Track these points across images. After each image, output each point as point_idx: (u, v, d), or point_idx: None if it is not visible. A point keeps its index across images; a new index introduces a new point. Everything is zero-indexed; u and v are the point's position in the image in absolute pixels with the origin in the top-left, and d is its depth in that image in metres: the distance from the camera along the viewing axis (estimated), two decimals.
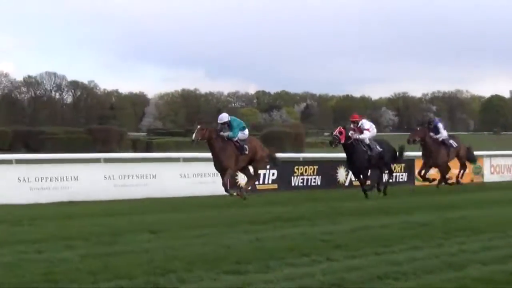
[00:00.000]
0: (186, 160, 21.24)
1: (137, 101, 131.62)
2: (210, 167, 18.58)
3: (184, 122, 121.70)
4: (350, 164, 19.16)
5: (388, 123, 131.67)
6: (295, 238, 10.31)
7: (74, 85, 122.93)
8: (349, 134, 18.46)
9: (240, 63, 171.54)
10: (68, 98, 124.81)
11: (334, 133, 18.49)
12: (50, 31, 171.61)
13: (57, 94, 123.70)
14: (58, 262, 8.26)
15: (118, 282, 7.21)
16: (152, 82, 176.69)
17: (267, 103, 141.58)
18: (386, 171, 19.90)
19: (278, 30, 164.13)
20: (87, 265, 8.04)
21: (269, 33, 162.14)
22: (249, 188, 17.81)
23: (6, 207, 15.67)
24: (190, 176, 19.03)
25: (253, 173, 18.01)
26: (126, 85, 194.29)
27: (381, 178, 19.69)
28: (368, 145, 18.88)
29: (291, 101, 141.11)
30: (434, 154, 20.74)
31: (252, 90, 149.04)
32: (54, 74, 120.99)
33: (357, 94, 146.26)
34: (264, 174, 21.08)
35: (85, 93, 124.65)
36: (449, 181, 21.91)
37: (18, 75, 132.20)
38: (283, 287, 7.11)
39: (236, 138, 17.12)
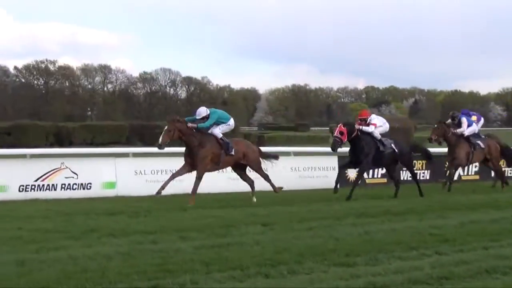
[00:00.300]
0: (296, 154, 21.38)
1: (249, 96, 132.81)
2: (320, 161, 18.72)
3: (294, 117, 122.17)
4: (355, 158, 16.72)
5: (496, 118, 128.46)
6: (403, 232, 10.32)
7: (188, 80, 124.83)
8: (353, 127, 16.52)
9: (349, 58, 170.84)
10: (182, 93, 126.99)
11: (335, 134, 16.28)
12: (166, 29, 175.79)
13: (172, 89, 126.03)
14: (173, 253, 8.47)
15: (230, 272, 7.37)
16: (264, 78, 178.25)
17: (376, 98, 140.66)
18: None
19: (386, 27, 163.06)
20: (200, 256, 8.23)
21: (378, 30, 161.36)
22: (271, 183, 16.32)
23: (124, 199, 16.15)
24: (300, 170, 19.15)
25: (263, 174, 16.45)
26: (238, 81, 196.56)
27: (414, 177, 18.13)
28: (381, 140, 16.92)
29: (399, 96, 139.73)
30: (454, 149, 18.89)
31: (361, 86, 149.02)
32: (169, 70, 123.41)
33: (465, 89, 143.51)
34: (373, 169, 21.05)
35: (198, 88, 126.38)
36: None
37: (134, 71, 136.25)
38: (392, 280, 7.14)
39: (220, 135, 15.58)
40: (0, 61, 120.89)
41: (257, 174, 16.48)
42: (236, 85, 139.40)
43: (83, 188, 17.14)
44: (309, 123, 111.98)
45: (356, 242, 9.37)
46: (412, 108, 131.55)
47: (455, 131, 18.93)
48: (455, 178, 20.79)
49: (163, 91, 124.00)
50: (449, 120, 19.50)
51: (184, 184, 17.61)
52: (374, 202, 15.38)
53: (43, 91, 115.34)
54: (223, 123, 15.75)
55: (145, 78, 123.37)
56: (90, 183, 17.26)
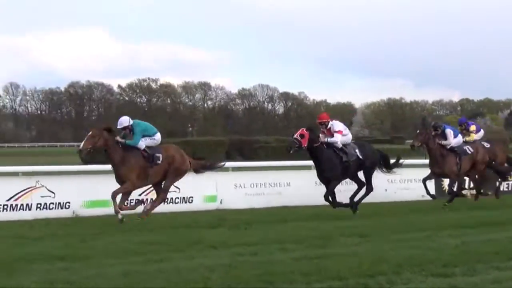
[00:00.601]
0: None
1: (345, 110, 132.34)
2: (414, 173, 18.67)
3: (389, 130, 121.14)
4: (319, 173, 15.76)
5: None
6: (501, 242, 10.29)
7: (285, 96, 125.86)
8: (317, 136, 15.61)
9: (444, 71, 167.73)
10: (280, 108, 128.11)
11: (295, 136, 15.54)
12: (263, 45, 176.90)
13: (269, 105, 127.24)
14: (273, 264, 8.65)
15: (329, 283, 7.54)
16: (359, 92, 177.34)
17: (471, 110, 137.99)
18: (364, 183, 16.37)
19: (480, 39, 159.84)
20: (300, 267, 8.40)
21: (472, 42, 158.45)
22: (153, 207, 14.85)
23: (224, 212, 16.40)
24: (396, 182, 19.03)
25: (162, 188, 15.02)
26: (334, 95, 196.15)
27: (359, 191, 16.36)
28: (342, 149, 15.73)
29: (494, 108, 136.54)
30: (440, 162, 17.18)
31: (456, 98, 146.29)
32: (267, 86, 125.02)
33: None
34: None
35: (295, 103, 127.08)
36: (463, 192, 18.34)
37: (233, 88, 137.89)
38: None
39: (143, 147, 14.37)
40: (104, 80, 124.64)
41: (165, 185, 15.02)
42: (333, 99, 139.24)
43: (185, 202, 17.47)
44: (404, 136, 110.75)
45: (453, 252, 9.40)
46: (508, 120, 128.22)
47: (441, 142, 17.36)
48: None
49: (261, 106, 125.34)
50: (431, 129, 17.92)
51: (282, 197, 17.88)
52: (471, 212, 15.30)
53: (146, 109, 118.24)
54: (148, 136, 14.65)
55: (244, 94, 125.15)
56: (192, 197, 17.58)
